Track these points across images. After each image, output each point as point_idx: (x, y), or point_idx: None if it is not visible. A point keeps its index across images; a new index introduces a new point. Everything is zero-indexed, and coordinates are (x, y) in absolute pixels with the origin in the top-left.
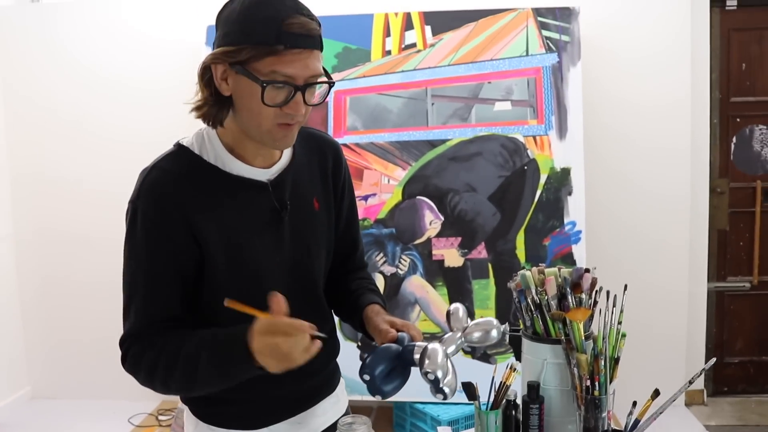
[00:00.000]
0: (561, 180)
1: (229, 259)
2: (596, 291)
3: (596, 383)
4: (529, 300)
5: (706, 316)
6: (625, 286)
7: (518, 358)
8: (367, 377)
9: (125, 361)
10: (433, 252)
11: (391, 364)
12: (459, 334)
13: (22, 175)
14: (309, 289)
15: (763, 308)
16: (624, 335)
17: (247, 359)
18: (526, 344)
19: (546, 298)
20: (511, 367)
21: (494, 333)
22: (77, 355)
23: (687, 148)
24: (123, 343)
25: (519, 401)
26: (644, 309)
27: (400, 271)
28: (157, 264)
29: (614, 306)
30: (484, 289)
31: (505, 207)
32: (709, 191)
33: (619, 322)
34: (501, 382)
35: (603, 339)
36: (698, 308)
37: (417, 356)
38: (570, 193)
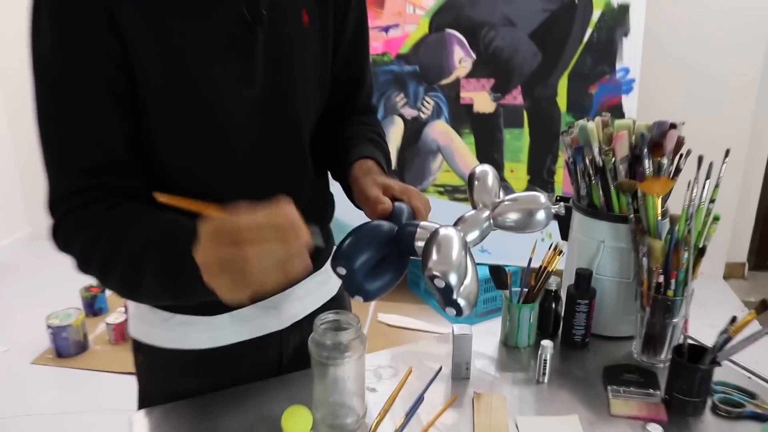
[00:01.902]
0: (617, 18)
1: (171, 92)
2: (681, 155)
3: (671, 280)
4: (587, 161)
5: (762, 181)
6: (727, 152)
7: (564, 236)
8: (342, 270)
9: (56, 236)
10: (462, 95)
11: (380, 251)
12: (486, 213)
13: None
14: (289, 140)
15: None
16: (717, 218)
17: (197, 280)
18: (578, 220)
19: (613, 160)
20: (555, 249)
21: (540, 215)
22: None
23: None
24: (53, 207)
25: (562, 293)
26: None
27: (422, 115)
28: (76, 77)
29: (707, 178)
30: (517, 140)
31: (548, 46)
32: None
33: (712, 200)
34: (540, 266)
35: (688, 221)
36: (755, 173)
37: (419, 244)
38: (626, 35)
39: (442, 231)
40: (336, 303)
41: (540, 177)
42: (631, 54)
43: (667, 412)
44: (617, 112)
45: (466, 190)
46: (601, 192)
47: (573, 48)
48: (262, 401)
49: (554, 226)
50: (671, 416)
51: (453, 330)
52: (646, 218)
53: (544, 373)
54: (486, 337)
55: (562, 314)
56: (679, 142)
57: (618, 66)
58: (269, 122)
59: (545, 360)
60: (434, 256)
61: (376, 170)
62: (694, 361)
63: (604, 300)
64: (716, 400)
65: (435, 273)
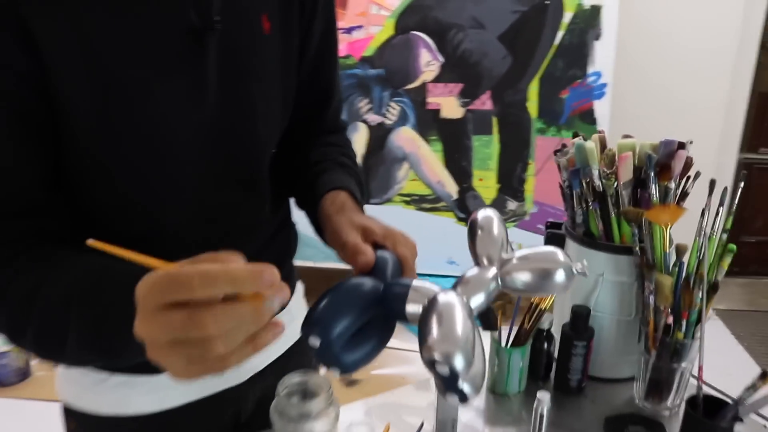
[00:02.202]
0: (589, 20)
1: (100, 115)
2: (688, 178)
3: (682, 321)
4: (584, 184)
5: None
6: (744, 177)
7: None
8: (316, 340)
9: None
10: (428, 100)
11: (363, 316)
12: (492, 272)
13: None
14: (248, 167)
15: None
16: (732, 250)
17: (130, 343)
18: (573, 250)
19: (615, 185)
20: None
21: (559, 276)
22: None
23: None
24: None
25: (555, 332)
26: None
27: (387, 121)
28: None
29: (721, 205)
30: (486, 147)
31: (518, 49)
32: (759, 45)
33: (725, 231)
34: (531, 303)
35: (699, 253)
36: (723, 181)
37: (412, 309)
38: (598, 37)
39: (442, 298)
40: (302, 346)
41: (510, 185)
42: (603, 57)
43: None
44: (588, 117)
45: (433, 200)
46: (598, 220)
47: (544, 51)
48: None
49: None
50: None
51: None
52: (652, 250)
53: (539, 429)
54: None
55: (556, 356)
56: (688, 164)
57: (590, 70)
58: (223, 148)
59: (542, 415)
60: (434, 333)
61: (351, 206)
62: (709, 414)
63: (602, 339)
64: None
65: (436, 357)
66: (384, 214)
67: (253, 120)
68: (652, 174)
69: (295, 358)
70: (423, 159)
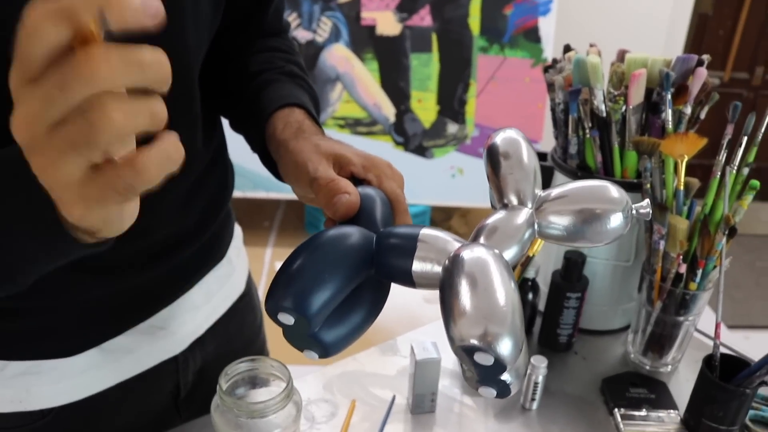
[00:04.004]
0: None
1: None
2: (702, 101)
3: (698, 270)
4: (581, 108)
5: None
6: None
7: None
8: (288, 318)
9: None
10: (363, 15)
11: (350, 282)
12: (526, 214)
13: None
14: (176, 83)
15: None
16: (754, 187)
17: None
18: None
19: (622, 108)
20: None
21: (615, 220)
22: None
23: None
24: None
25: (542, 282)
26: None
27: (318, 38)
28: None
29: (744, 134)
30: (425, 66)
31: None
32: None
33: (748, 164)
34: None
35: (717, 191)
36: None
37: (421, 267)
38: None
39: (469, 255)
40: (247, 302)
41: (450, 107)
42: None
43: None
44: (533, 36)
45: (369, 123)
46: (596, 149)
47: None
48: None
49: None
50: None
51: (413, 353)
52: (662, 188)
53: (533, 399)
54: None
55: (542, 309)
56: (706, 86)
57: None
58: None
59: (536, 383)
60: (469, 307)
61: (310, 128)
62: (726, 376)
63: (595, 288)
64: (747, 418)
65: (476, 343)
66: None
67: (180, 21)
68: (669, 96)
69: (239, 317)
70: (357, 79)
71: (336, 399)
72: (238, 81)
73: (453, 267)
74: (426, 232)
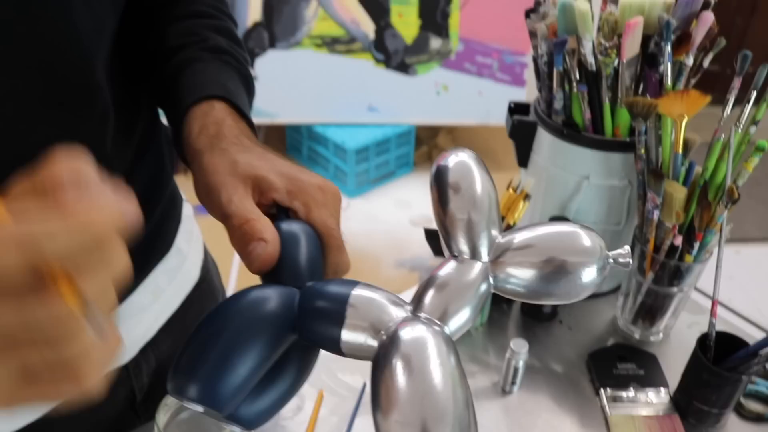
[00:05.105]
0: None
1: None
2: (705, 48)
3: (695, 242)
4: (568, 59)
5: None
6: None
7: (523, 162)
8: (196, 405)
9: None
10: None
11: (269, 356)
12: (478, 267)
13: None
14: (71, 81)
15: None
16: (762, 147)
17: None
18: (549, 144)
19: (614, 62)
20: (516, 189)
21: (588, 274)
22: None
23: None
24: None
25: None
26: None
27: None
28: None
29: (753, 88)
30: None
31: None
32: None
33: (754, 122)
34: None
35: (722, 153)
36: None
37: (351, 337)
38: None
39: (408, 334)
40: (203, 289)
41: (433, 21)
42: None
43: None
44: None
45: (348, 41)
46: (585, 105)
47: None
48: None
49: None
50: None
51: None
52: (662, 151)
53: (513, 383)
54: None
55: None
56: (711, 31)
57: None
58: (26, 58)
59: (516, 369)
60: (401, 394)
61: (231, 130)
62: (718, 357)
63: None
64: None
65: None
66: (292, 61)
67: (66, 6)
68: (668, 48)
69: (197, 306)
70: None
71: (302, 390)
72: (157, 57)
73: (388, 349)
74: (358, 293)
